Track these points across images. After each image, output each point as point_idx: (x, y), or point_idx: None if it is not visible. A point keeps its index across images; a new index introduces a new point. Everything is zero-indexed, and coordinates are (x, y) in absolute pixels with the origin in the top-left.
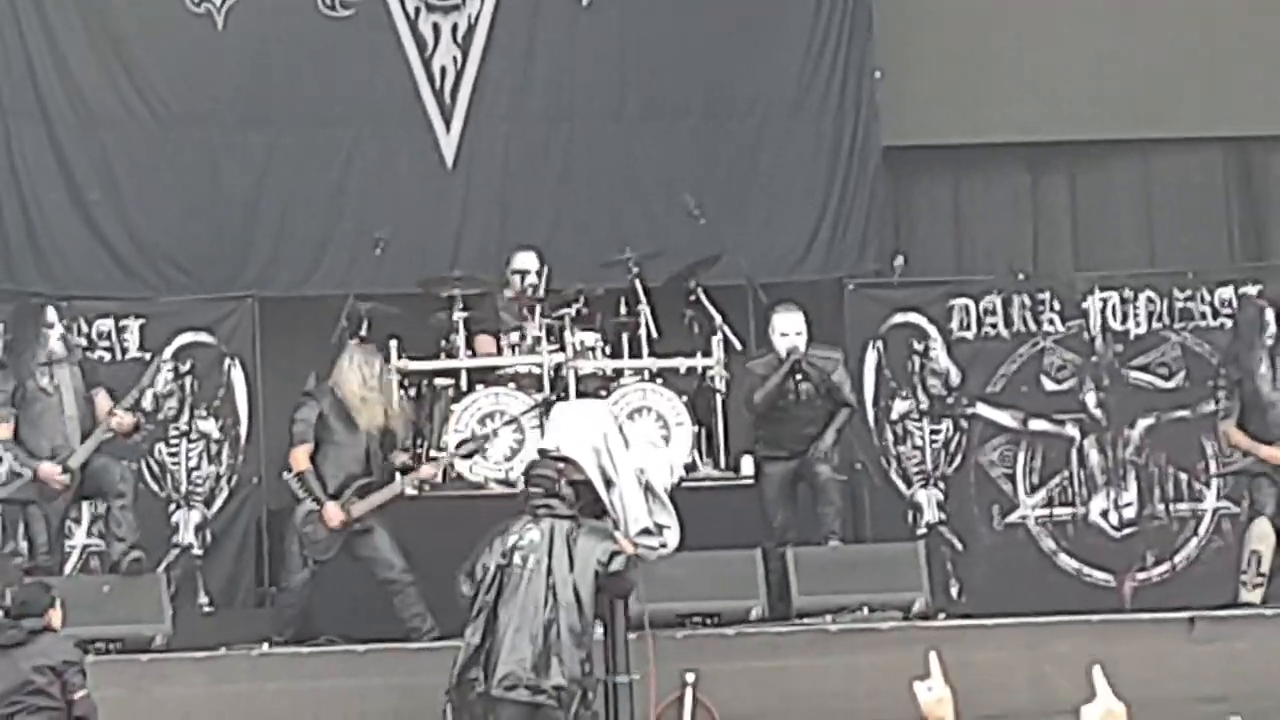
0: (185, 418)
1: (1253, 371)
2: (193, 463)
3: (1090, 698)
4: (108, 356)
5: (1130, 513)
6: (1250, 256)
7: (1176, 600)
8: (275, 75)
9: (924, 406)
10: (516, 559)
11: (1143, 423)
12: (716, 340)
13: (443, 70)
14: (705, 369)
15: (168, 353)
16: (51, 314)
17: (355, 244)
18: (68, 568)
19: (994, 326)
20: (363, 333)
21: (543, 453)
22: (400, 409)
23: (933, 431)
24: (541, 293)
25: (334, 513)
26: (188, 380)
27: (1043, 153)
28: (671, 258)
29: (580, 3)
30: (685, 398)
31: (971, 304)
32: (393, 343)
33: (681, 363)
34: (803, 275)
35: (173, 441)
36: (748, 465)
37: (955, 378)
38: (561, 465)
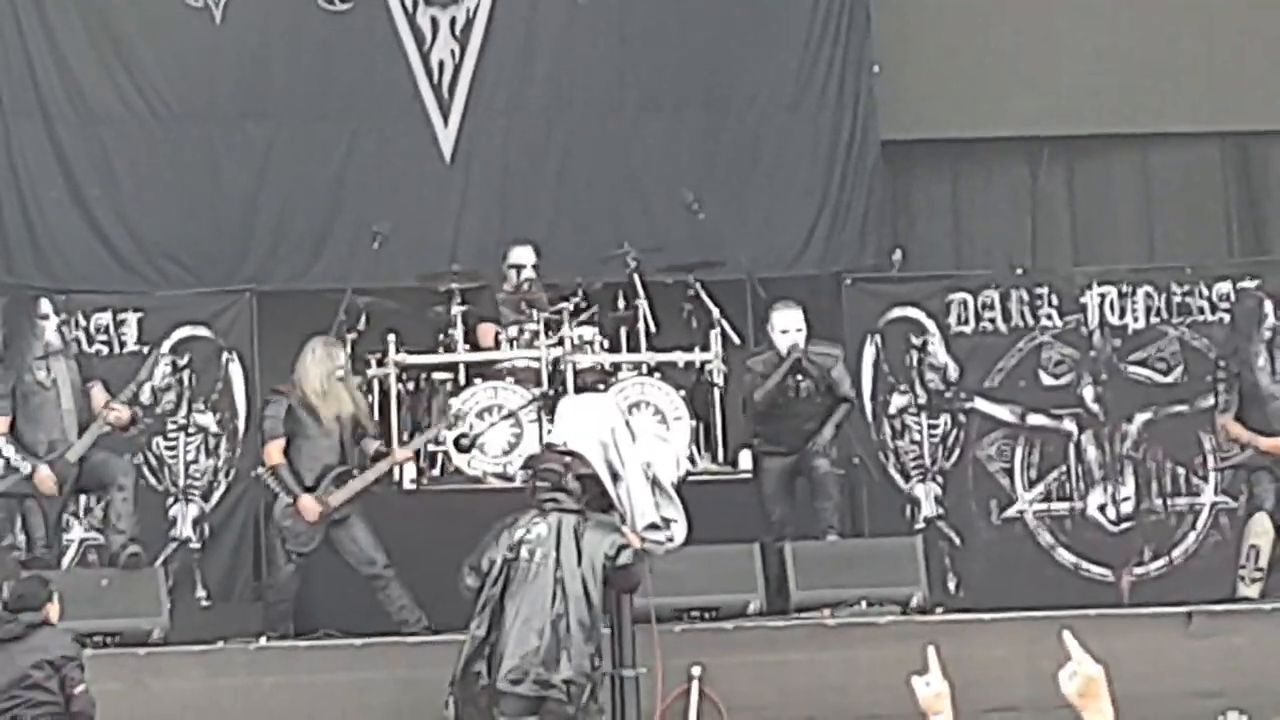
0: (183, 412)
1: (1251, 364)
2: (190, 456)
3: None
4: (105, 350)
5: (1128, 507)
6: (1248, 251)
7: (1174, 595)
8: (274, 70)
9: (922, 401)
10: (523, 553)
11: (1140, 417)
12: (715, 335)
13: (441, 64)
14: (703, 363)
15: (165, 346)
16: (46, 305)
17: (354, 238)
18: (65, 561)
19: (992, 321)
20: (361, 326)
21: (550, 446)
22: (364, 397)
23: (931, 426)
24: (538, 287)
25: (310, 505)
26: (185, 374)
27: (1041, 147)
28: (670, 253)
29: None
30: (683, 392)
31: (970, 298)
32: (391, 337)
33: (680, 357)
34: (801, 270)
35: (170, 435)
36: (746, 460)
37: (953, 372)
38: (568, 459)
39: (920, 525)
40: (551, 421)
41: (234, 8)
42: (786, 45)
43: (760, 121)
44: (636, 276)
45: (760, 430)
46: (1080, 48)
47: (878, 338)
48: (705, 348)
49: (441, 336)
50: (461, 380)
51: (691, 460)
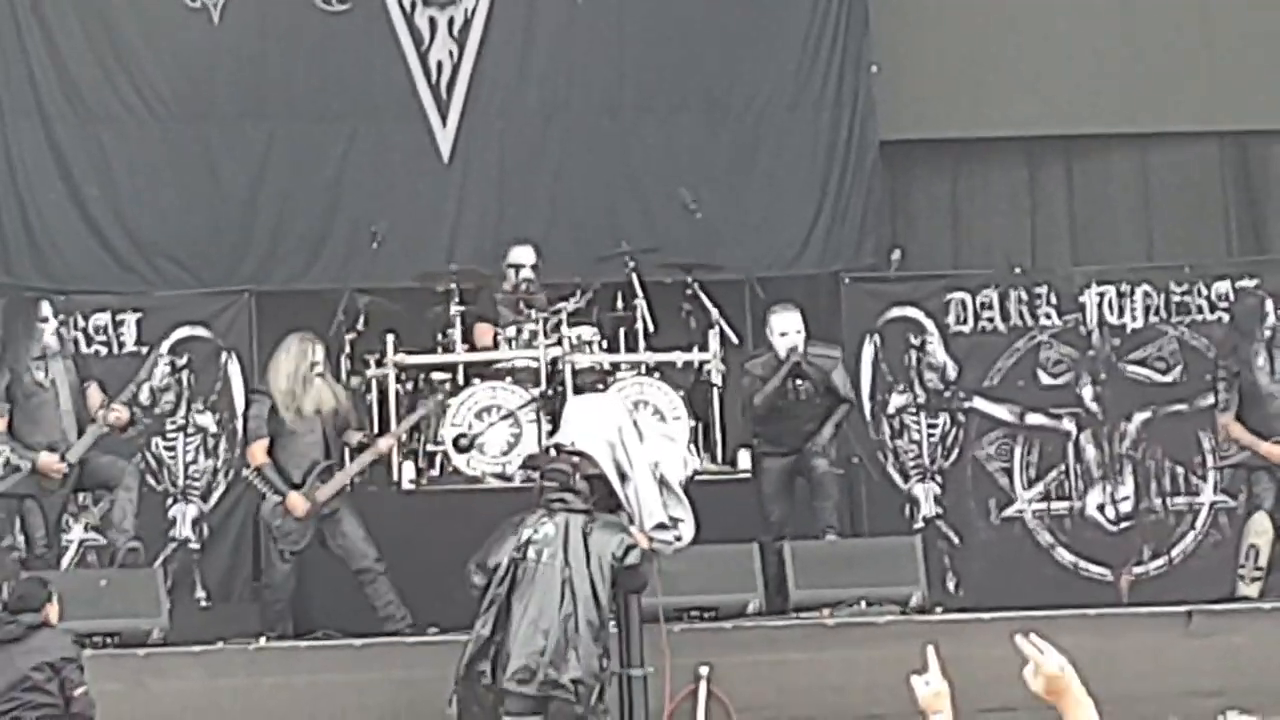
0: (182, 412)
1: (1250, 363)
2: (190, 457)
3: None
4: (104, 351)
5: (1127, 507)
6: (1247, 251)
7: (1174, 594)
8: (272, 70)
9: (921, 400)
10: (531, 553)
11: (1139, 417)
12: (713, 335)
13: (439, 64)
14: (702, 363)
15: (164, 347)
16: (46, 308)
17: (352, 238)
18: (65, 562)
19: (991, 321)
20: (359, 327)
21: (557, 447)
22: (345, 390)
23: (929, 425)
24: (537, 287)
25: (298, 502)
26: (185, 374)
27: (1040, 147)
28: (669, 253)
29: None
30: (682, 392)
31: (968, 298)
32: (389, 337)
33: (678, 357)
34: (800, 269)
35: (170, 436)
36: (744, 459)
37: (952, 372)
38: (576, 459)
39: (919, 525)
40: (550, 421)
41: (232, 8)
42: (785, 45)
43: (759, 121)
44: (635, 276)
45: (760, 431)
46: (1079, 47)
47: (876, 337)
48: (704, 348)
49: (440, 336)
50: (460, 380)
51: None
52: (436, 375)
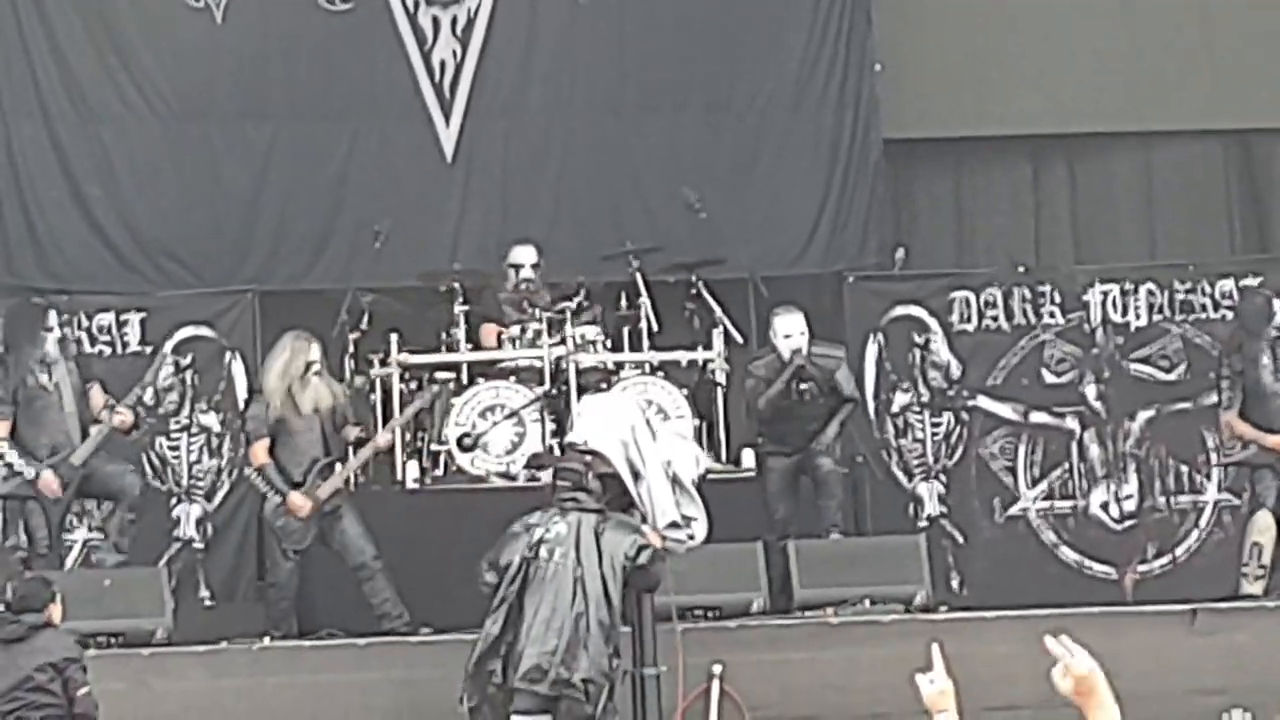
0: (186, 412)
1: (1256, 361)
2: (193, 457)
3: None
4: (108, 351)
5: (1131, 505)
6: (1251, 249)
7: (1177, 593)
8: (274, 69)
9: (925, 399)
10: (543, 552)
11: (1143, 415)
12: (717, 334)
13: (442, 64)
14: (706, 362)
15: (168, 347)
16: (53, 318)
17: (355, 238)
18: (69, 562)
19: (994, 319)
20: (363, 326)
21: (570, 445)
22: (341, 387)
23: (933, 424)
24: (538, 286)
25: (299, 501)
26: (188, 374)
27: (1043, 145)
28: (672, 252)
29: None
30: (686, 391)
31: (972, 297)
32: (393, 336)
33: (682, 356)
34: (803, 269)
35: (174, 435)
36: (748, 458)
37: (956, 370)
38: (589, 458)
39: (923, 524)
40: (554, 421)
41: (234, 7)
42: (788, 44)
43: (762, 120)
44: (639, 276)
45: (764, 432)
46: (1082, 46)
47: (880, 336)
48: (708, 347)
49: (443, 336)
50: (464, 380)
51: None
52: (440, 375)
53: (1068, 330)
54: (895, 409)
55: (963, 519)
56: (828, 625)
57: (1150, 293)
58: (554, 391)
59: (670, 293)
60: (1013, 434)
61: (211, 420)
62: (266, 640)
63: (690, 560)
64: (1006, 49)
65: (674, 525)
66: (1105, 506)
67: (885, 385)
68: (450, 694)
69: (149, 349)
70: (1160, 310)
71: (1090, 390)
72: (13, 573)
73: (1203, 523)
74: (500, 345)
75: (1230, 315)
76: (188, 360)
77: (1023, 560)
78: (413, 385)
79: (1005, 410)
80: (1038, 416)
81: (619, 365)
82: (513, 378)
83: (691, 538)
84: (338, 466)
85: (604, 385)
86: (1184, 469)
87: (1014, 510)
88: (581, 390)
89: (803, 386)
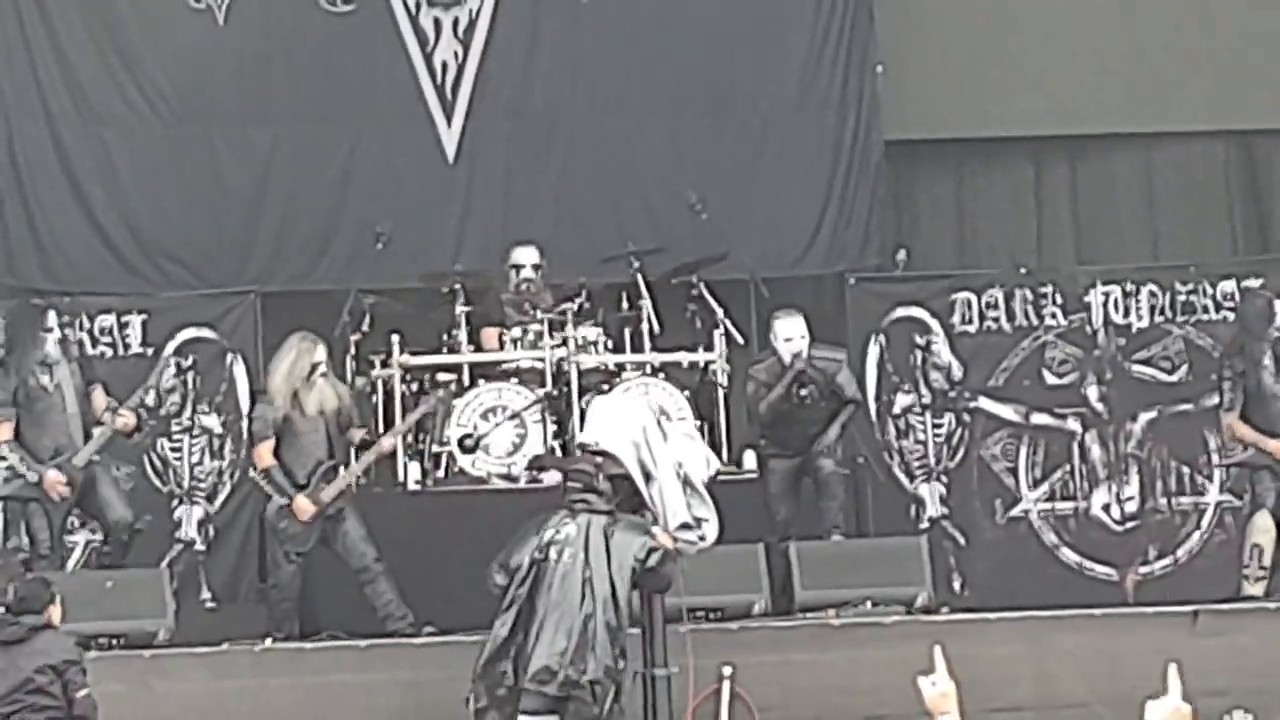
0: (188, 413)
1: (1258, 362)
2: (195, 458)
3: (1155, 693)
4: (109, 352)
5: (1132, 506)
6: (1253, 250)
7: (1179, 594)
8: (276, 71)
9: (926, 401)
10: (553, 554)
11: (1145, 416)
12: (718, 335)
13: (444, 65)
14: (707, 364)
15: (170, 348)
16: (52, 319)
17: (357, 239)
18: (70, 564)
19: (996, 320)
20: (365, 327)
21: (581, 447)
22: (346, 389)
23: (935, 426)
24: (540, 287)
25: (304, 505)
26: (190, 376)
27: (1045, 146)
28: (674, 253)
29: None
30: (687, 392)
31: (974, 298)
32: (395, 337)
33: (684, 357)
34: (805, 270)
35: (175, 437)
36: (750, 460)
37: (957, 372)
38: (600, 459)
39: (925, 525)
40: (556, 422)
41: (236, 9)
42: (790, 45)
43: (764, 122)
44: (640, 277)
45: (766, 434)
46: (1083, 47)
47: (882, 337)
48: (709, 348)
49: (445, 337)
50: (466, 381)
51: None
52: (442, 376)
53: (1069, 331)
54: (897, 410)
55: (964, 520)
56: (829, 627)
57: (1152, 294)
58: (555, 393)
59: (672, 294)
60: (1014, 435)
61: (213, 422)
62: (268, 642)
63: (692, 562)
64: (1008, 50)
65: (685, 526)
66: (1107, 508)
67: (887, 386)
68: (454, 695)
69: (150, 350)
70: (1162, 311)
71: (1092, 391)
72: (14, 574)
73: (1204, 524)
74: (502, 346)
75: (1232, 317)
76: (189, 362)
77: (1024, 561)
78: (414, 387)
79: (1007, 411)
80: (1039, 418)
81: (620, 366)
82: (514, 379)
83: (703, 539)
84: (341, 469)
85: (605, 386)
86: (1185, 470)
87: (1015, 511)
88: (583, 391)
89: (803, 391)
